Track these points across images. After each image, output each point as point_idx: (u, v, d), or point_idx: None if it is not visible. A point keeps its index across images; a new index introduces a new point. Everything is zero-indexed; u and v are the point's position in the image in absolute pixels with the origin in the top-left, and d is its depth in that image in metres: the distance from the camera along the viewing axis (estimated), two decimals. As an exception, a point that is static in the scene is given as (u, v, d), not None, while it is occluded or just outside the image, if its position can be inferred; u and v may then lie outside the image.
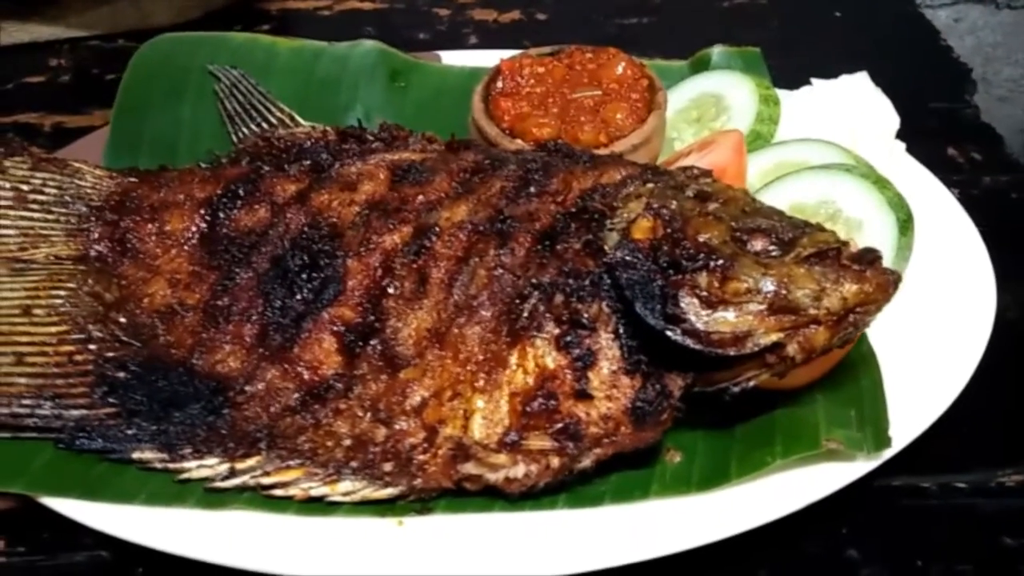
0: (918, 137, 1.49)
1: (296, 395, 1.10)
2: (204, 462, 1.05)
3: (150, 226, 1.25)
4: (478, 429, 1.04)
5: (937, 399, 1.13)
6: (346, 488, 1.03)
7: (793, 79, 1.56)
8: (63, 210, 1.26)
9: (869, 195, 1.26)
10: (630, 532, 1.02)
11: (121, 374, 1.11)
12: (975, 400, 1.15)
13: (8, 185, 1.25)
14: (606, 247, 1.07)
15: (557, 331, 1.05)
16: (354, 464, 1.04)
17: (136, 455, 1.06)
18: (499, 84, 1.44)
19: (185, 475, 1.05)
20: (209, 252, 1.23)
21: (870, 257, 1.03)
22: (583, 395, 1.03)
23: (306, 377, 1.11)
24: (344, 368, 1.11)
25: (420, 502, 1.04)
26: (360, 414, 1.08)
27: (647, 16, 2.08)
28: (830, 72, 1.55)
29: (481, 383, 1.06)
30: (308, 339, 1.13)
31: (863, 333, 1.14)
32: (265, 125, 1.44)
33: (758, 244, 1.05)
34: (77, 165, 1.31)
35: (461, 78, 1.59)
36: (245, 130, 1.45)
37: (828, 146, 1.36)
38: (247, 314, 1.16)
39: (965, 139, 1.71)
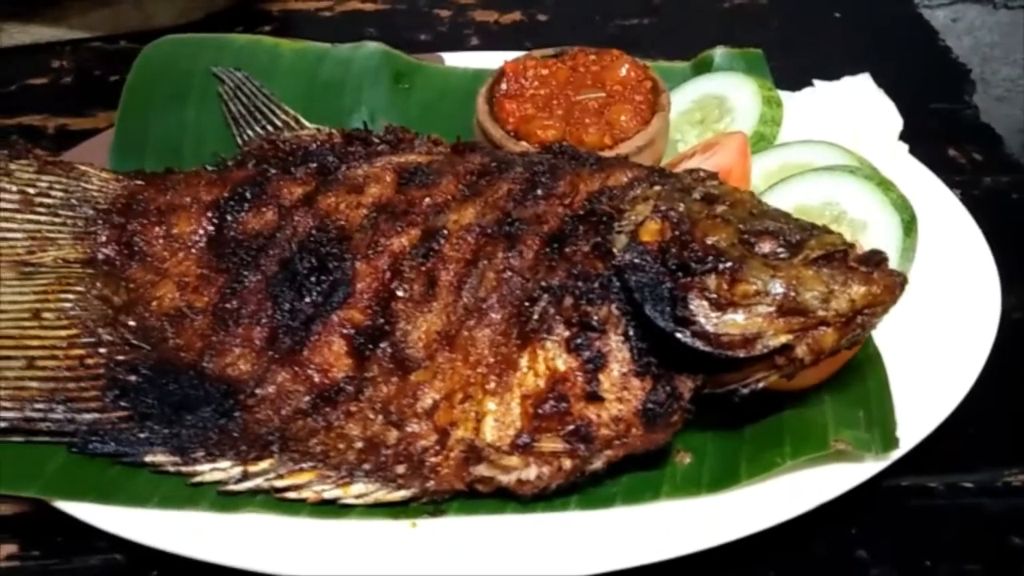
0: (919, 138, 1.50)
1: (307, 398, 1.11)
2: (217, 465, 1.06)
3: (157, 229, 1.26)
4: (490, 431, 1.04)
5: (944, 400, 1.13)
6: (359, 490, 1.04)
7: (794, 80, 1.56)
8: (70, 213, 1.26)
9: (873, 197, 1.27)
10: (642, 534, 1.02)
11: (132, 377, 1.12)
12: (981, 400, 1.16)
13: (14, 188, 1.25)
14: (614, 250, 1.08)
15: (567, 333, 1.06)
16: (366, 466, 1.05)
17: (149, 458, 1.06)
18: (503, 86, 1.44)
19: (198, 478, 1.05)
20: (217, 255, 1.23)
21: (877, 259, 1.04)
22: (594, 397, 1.03)
23: (316, 380, 1.12)
24: (354, 371, 1.12)
25: (433, 504, 1.04)
26: (371, 416, 1.08)
27: (647, 17, 2.09)
28: (830, 73, 1.56)
29: (492, 385, 1.06)
30: (318, 342, 1.13)
31: (869, 334, 1.15)
32: (270, 127, 1.44)
33: (766, 246, 1.05)
34: (83, 168, 1.30)
35: (464, 80, 1.59)
36: (250, 132, 1.45)
37: (831, 148, 1.37)
38: (256, 317, 1.16)
39: (965, 140, 1.72)
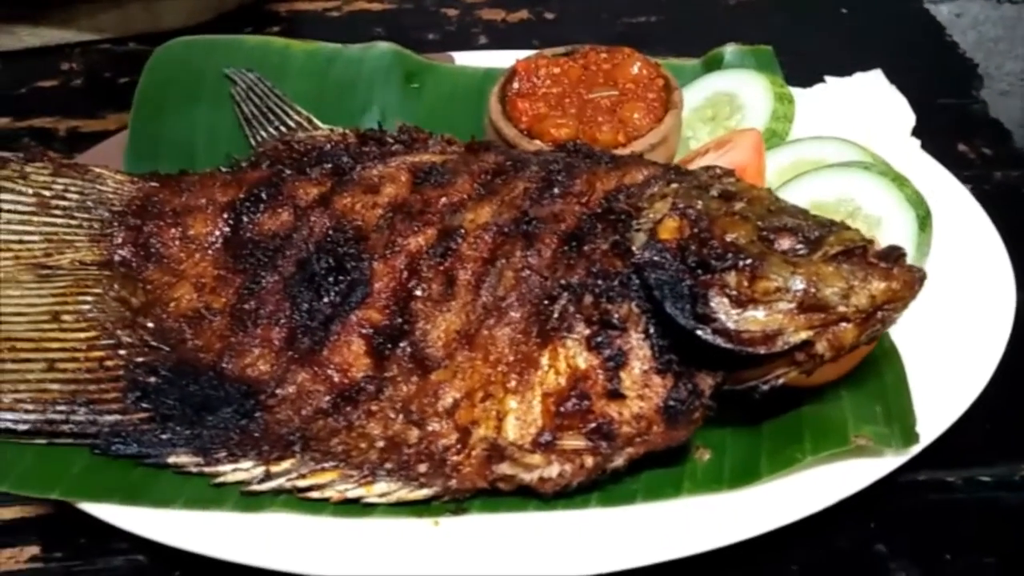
0: (929, 133, 1.50)
1: (327, 398, 1.11)
2: (239, 465, 1.06)
3: (173, 230, 1.26)
4: (512, 430, 1.05)
5: (961, 394, 1.14)
6: (381, 489, 1.04)
7: (802, 76, 1.57)
8: (86, 215, 1.26)
9: (888, 193, 1.27)
10: (662, 530, 1.03)
11: (152, 379, 1.12)
12: (997, 394, 1.16)
13: (30, 191, 1.25)
14: (633, 248, 1.08)
15: (588, 331, 1.06)
16: (388, 465, 1.05)
17: (171, 459, 1.06)
18: (515, 85, 1.44)
19: (221, 479, 1.05)
20: (233, 256, 1.23)
21: (896, 254, 1.05)
22: (616, 395, 1.04)
23: (336, 380, 1.12)
24: (374, 370, 1.12)
25: (455, 502, 1.05)
26: (392, 416, 1.09)
27: (654, 15, 2.09)
28: (838, 69, 1.56)
29: (513, 384, 1.06)
30: (337, 342, 1.14)
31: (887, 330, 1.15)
32: (283, 128, 1.45)
33: (785, 243, 1.06)
34: (98, 170, 1.31)
35: (475, 79, 1.60)
36: (263, 133, 1.45)
37: (845, 144, 1.37)
38: (275, 317, 1.17)
39: (975, 134, 1.73)
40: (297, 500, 1.04)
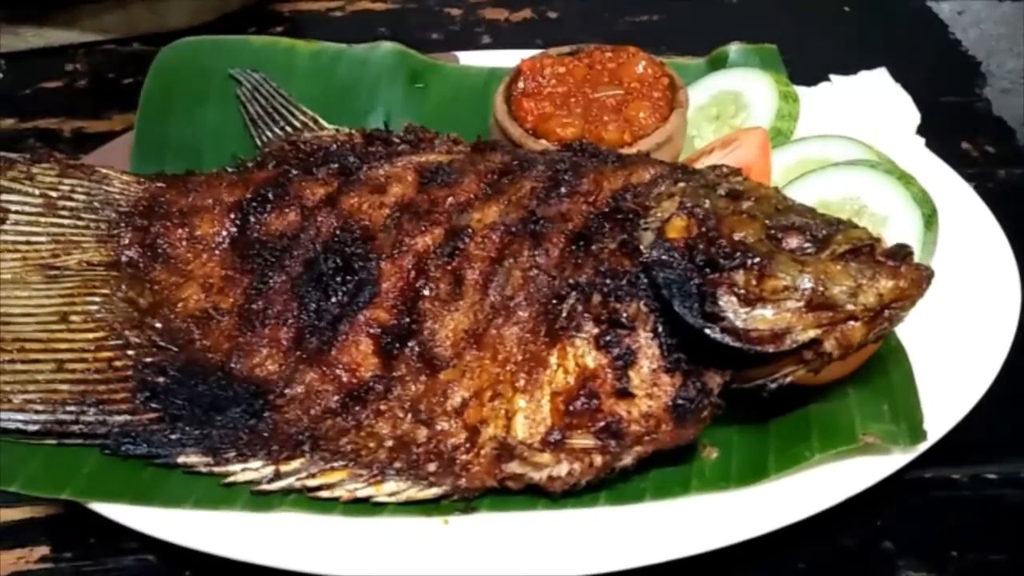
0: (932, 131, 1.50)
1: (336, 397, 1.11)
2: (248, 465, 1.06)
3: (180, 231, 1.26)
4: (521, 429, 1.05)
5: (968, 391, 1.14)
6: (391, 488, 1.04)
7: (805, 74, 1.57)
8: (93, 216, 1.26)
9: (894, 191, 1.27)
10: (671, 528, 1.03)
11: (161, 379, 1.12)
12: (1003, 391, 1.16)
13: (37, 192, 1.25)
14: (641, 247, 1.08)
15: (596, 331, 1.07)
16: (398, 465, 1.05)
17: (181, 459, 1.06)
18: (521, 84, 1.45)
19: (231, 478, 1.05)
20: (241, 256, 1.23)
21: (903, 253, 1.05)
22: (624, 394, 1.04)
23: (345, 379, 1.12)
24: (382, 370, 1.12)
25: (464, 501, 1.05)
26: (401, 415, 1.09)
27: (656, 13, 2.09)
28: (841, 67, 1.57)
29: (522, 383, 1.07)
30: (345, 341, 1.14)
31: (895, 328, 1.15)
32: (289, 128, 1.45)
33: (793, 241, 1.06)
34: (104, 171, 1.31)
35: (480, 79, 1.60)
36: (269, 134, 1.46)
37: (850, 142, 1.37)
38: (282, 317, 1.17)
39: (978, 132, 1.73)
40: (307, 500, 1.05)
